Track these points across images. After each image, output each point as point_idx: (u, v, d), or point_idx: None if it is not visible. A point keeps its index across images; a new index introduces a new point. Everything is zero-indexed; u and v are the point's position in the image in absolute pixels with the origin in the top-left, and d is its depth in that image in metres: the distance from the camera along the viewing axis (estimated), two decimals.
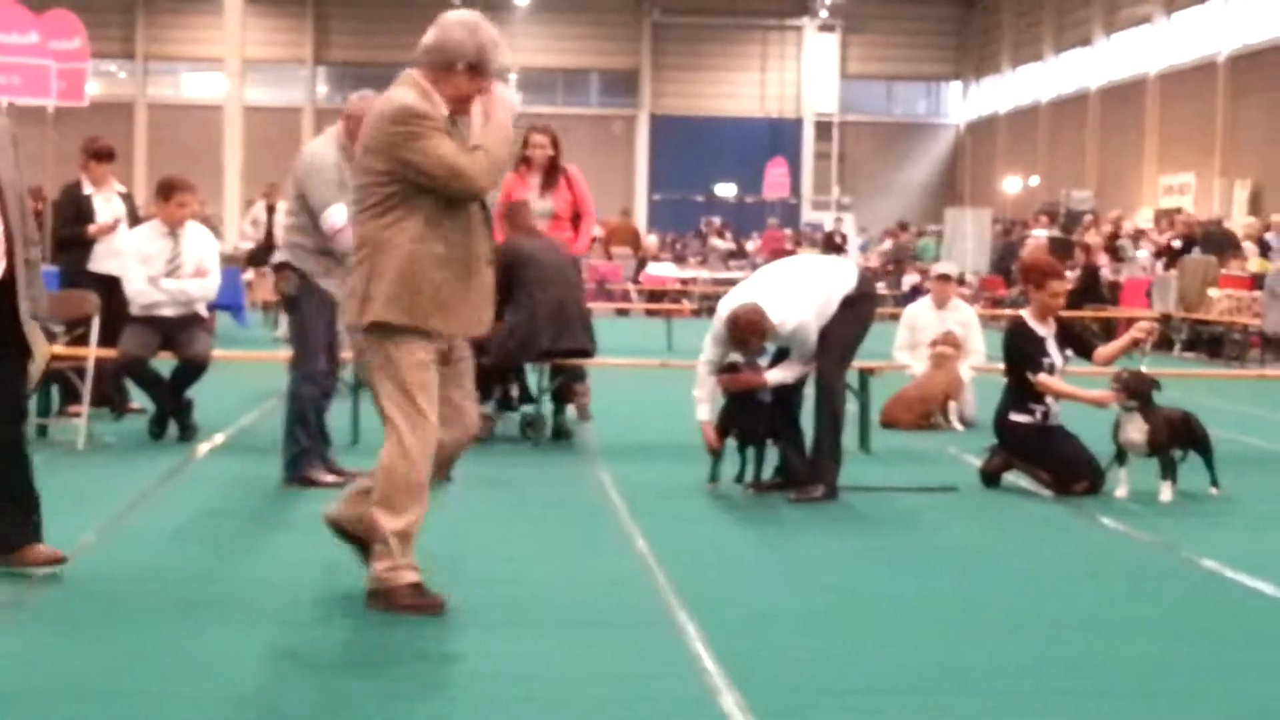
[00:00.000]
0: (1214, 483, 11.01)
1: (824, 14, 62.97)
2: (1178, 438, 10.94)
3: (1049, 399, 11.04)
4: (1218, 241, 29.49)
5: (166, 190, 12.96)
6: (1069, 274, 29.06)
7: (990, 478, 11.24)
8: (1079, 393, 11.05)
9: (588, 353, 12.96)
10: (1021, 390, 11.09)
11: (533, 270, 12.44)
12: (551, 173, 13.89)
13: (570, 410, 13.63)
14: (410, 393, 6.92)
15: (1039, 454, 11.07)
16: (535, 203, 13.76)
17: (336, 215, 10.25)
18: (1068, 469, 10.94)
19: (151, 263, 12.65)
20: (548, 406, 13.22)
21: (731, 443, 10.72)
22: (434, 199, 6.93)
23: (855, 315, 10.51)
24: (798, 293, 10.24)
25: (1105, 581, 8.30)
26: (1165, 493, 10.66)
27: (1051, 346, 11.10)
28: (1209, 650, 6.84)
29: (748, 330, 10.10)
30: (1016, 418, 11.08)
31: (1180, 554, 9.05)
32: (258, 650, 6.41)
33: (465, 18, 7.12)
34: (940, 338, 14.97)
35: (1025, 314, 11.37)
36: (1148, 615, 7.53)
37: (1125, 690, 6.15)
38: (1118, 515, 10.19)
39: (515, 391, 13.55)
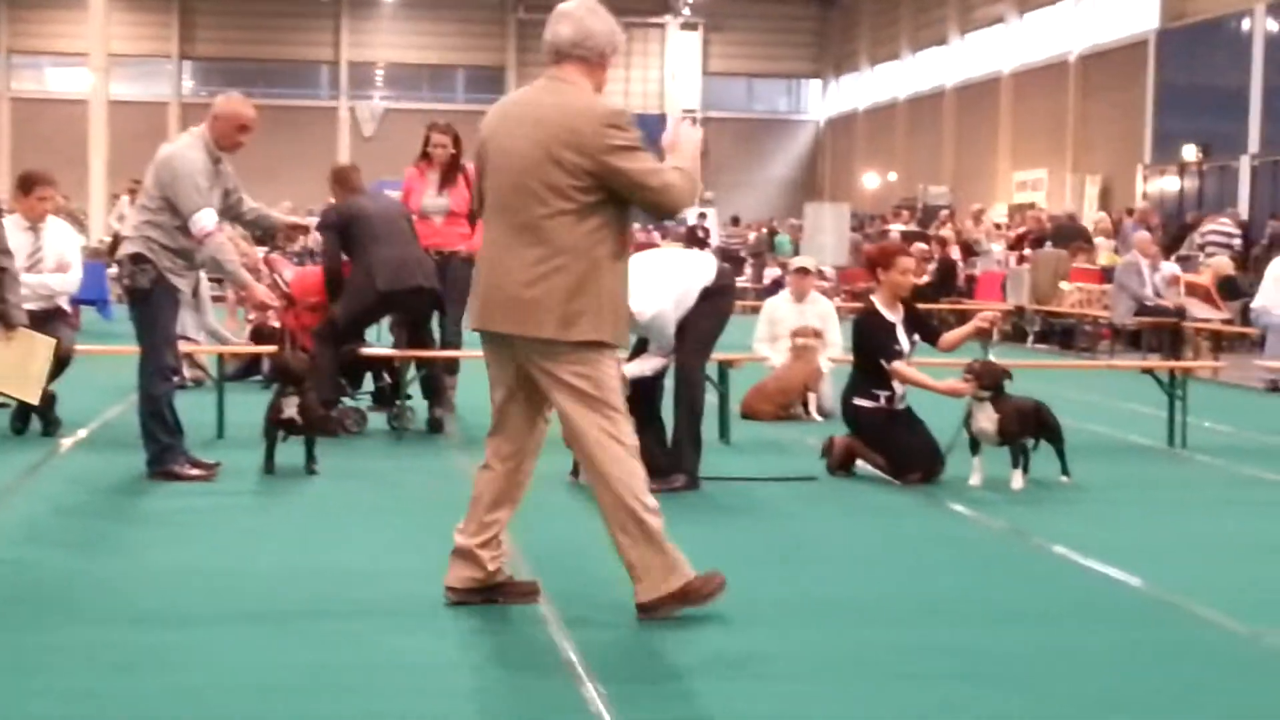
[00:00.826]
0: (1064, 471, 11.15)
1: (686, 12, 63.13)
2: (1029, 427, 11.07)
3: (895, 385, 11.12)
4: (1069, 236, 29.86)
5: (27, 184, 12.79)
6: (927, 267, 29.51)
7: (838, 468, 11.29)
8: (931, 382, 11.14)
9: (434, 294, 12.91)
10: (867, 375, 11.16)
11: (366, 226, 12.56)
12: (451, 170, 13.95)
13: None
14: (619, 412, 6.85)
15: (882, 440, 11.15)
16: (433, 199, 13.82)
17: (207, 219, 10.16)
18: (904, 458, 11.03)
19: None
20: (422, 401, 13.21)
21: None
22: (620, 210, 6.81)
23: (714, 308, 10.54)
24: (656, 283, 10.23)
25: (962, 568, 8.38)
26: (1016, 481, 10.79)
27: (901, 333, 11.18)
28: (1062, 634, 6.91)
29: None
30: (861, 403, 11.16)
31: (1032, 540, 9.16)
32: (111, 645, 6.32)
33: (582, 5, 7.00)
34: (799, 330, 15.06)
35: (875, 300, 11.40)
36: (1003, 600, 7.61)
37: (988, 674, 6.20)
38: (970, 503, 10.29)
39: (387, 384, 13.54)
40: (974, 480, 10.84)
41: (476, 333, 7.01)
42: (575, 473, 10.42)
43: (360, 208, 12.79)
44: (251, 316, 12.12)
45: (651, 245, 31.33)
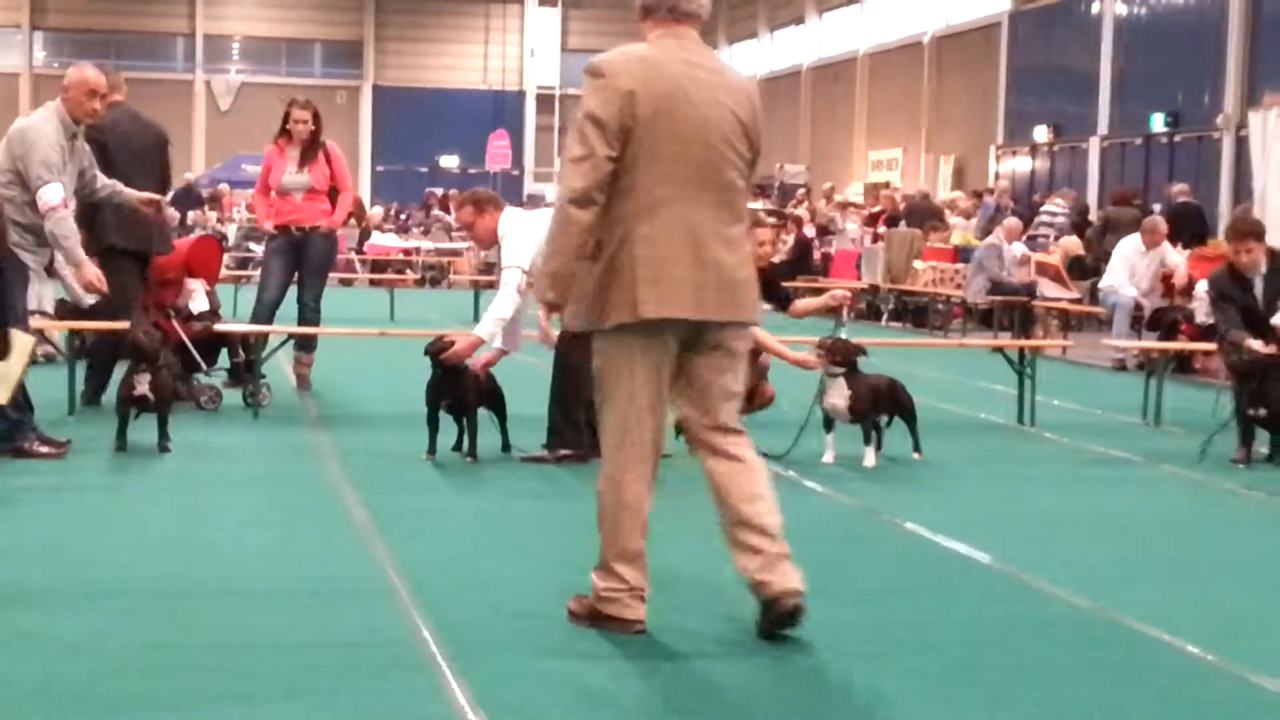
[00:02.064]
0: (916, 448, 11.29)
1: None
2: (882, 404, 11.18)
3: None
4: (923, 215, 30.10)
5: None
6: (783, 244, 29.66)
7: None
8: (785, 351, 11.21)
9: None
10: None
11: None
12: (311, 147, 13.94)
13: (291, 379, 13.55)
14: None
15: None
16: (293, 176, 13.74)
17: (51, 194, 10.02)
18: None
19: None
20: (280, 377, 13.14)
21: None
22: None
23: None
24: (530, 237, 10.11)
25: (816, 546, 8.41)
26: (869, 458, 10.89)
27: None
28: (916, 610, 7.00)
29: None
30: None
31: (884, 517, 9.24)
32: None
33: None
34: None
35: None
36: (857, 577, 7.68)
37: (845, 649, 6.26)
38: (824, 480, 10.37)
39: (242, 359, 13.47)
40: (827, 458, 10.94)
41: (665, 326, 6.19)
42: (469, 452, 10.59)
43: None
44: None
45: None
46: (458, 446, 10.77)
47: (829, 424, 10.98)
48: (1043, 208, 28.81)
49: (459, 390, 10.60)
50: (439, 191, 49.08)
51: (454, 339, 10.44)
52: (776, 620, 6.23)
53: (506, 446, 10.97)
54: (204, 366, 13.20)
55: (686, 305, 6.15)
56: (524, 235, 10.29)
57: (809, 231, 32.18)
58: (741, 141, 6.33)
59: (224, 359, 13.65)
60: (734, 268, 6.27)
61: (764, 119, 6.47)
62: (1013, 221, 24.80)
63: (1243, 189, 27.04)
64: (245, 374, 13.30)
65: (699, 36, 6.43)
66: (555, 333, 7.29)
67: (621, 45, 6.35)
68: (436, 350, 10.42)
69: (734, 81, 6.44)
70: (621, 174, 6.13)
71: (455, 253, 36.61)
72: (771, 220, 25.48)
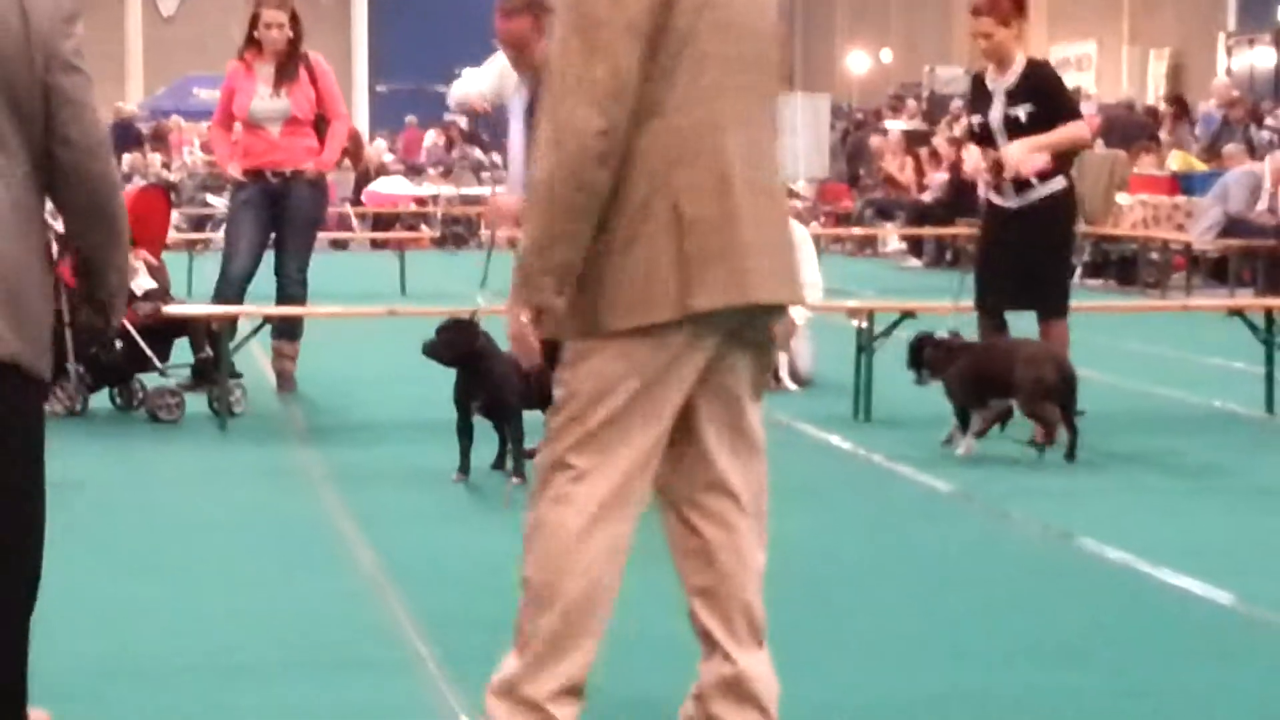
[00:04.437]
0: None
1: None
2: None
3: None
4: (1129, 132, 29.94)
5: None
6: (933, 178, 29.60)
7: None
8: None
9: None
10: None
11: None
12: (289, 62, 13.87)
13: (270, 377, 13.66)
14: None
15: None
16: (266, 102, 13.64)
17: None
18: None
19: None
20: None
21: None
22: None
23: None
24: None
25: (993, 584, 8.46)
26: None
27: None
28: (1135, 669, 7.02)
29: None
30: None
31: (1079, 543, 9.24)
32: None
33: None
34: None
35: None
36: (1052, 627, 7.70)
37: None
38: (980, 491, 10.42)
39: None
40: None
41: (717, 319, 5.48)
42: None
43: None
44: None
45: None
46: (499, 463, 10.79)
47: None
48: (1265, 122, 28.75)
49: (495, 387, 10.60)
50: (461, 120, 49.06)
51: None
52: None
53: None
54: (156, 363, 13.25)
55: (756, 283, 5.45)
56: None
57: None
58: (774, 45, 5.77)
59: (183, 353, 13.69)
60: (786, 223, 5.77)
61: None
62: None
63: None
64: (211, 372, 13.35)
65: None
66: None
67: None
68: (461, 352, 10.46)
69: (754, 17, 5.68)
70: (649, 90, 5.36)
71: (484, 201, 36.56)
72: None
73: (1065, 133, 12.09)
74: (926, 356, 11.71)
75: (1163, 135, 30.17)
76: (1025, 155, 11.80)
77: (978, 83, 12.69)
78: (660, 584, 5.89)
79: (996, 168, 12.11)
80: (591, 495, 5.39)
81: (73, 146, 5.71)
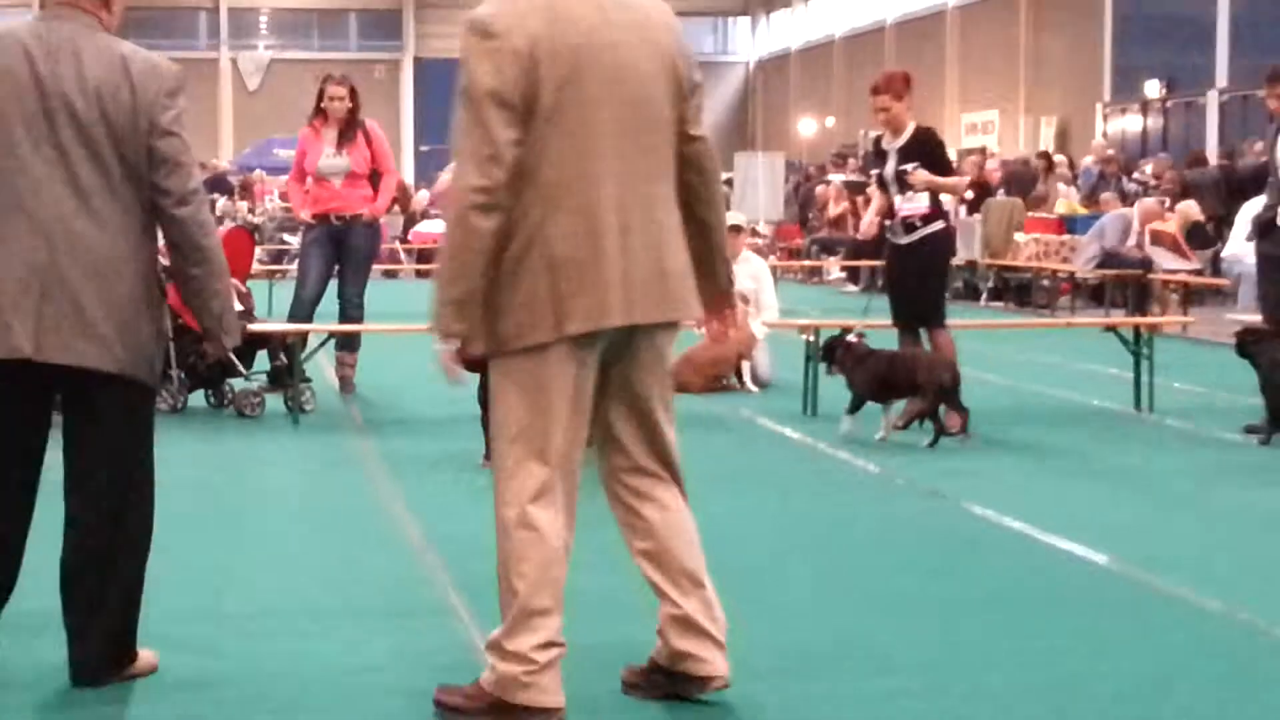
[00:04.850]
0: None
1: None
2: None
3: None
4: (1023, 183, 29.97)
5: None
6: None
7: None
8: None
9: None
10: None
11: None
12: (349, 127, 13.95)
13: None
14: None
15: None
16: (331, 159, 13.77)
17: None
18: None
19: None
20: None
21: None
22: None
23: None
24: None
25: (912, 550, 8.44)
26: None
27: None
28: (1024, 620, 7.02)
29: None
30: None
31: (984, 516, 9.22)
32: None
33: None
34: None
35: None
36: (958, 585, 7.68)
37: (960, 665, 6.28)
38: (915, 476, 10.40)
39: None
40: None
41: (592, 339, 5.42)
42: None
43: None
44: None
45: None
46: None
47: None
48: (1134, 175, 28.87)
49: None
50: None
51: None
52: (690, 692, 5.72)
53: None
54: (242, 370, 13.27)
55: (614, 309, 5.36)
56: None
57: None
58: (672, 83, 5.56)
59: (262, 361, 13.69)
60: (666, 254, 5.52)
61: (689, 50, 5.74)
62: (1149, 204, 24.78)
63: None
64: (286, 377, 13.35)
65: None
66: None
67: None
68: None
69: (654, 11, 5.63)
70: (527, 157, 5.30)
71: None
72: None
73: (948, 180, 12.53)
74: (836, 355, 11.94)
75: (1039, 185, 30.15)
76: (922, 180, 12.09)
77: (877, 144, 12.94)
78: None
79: (888, 213, 12.57)
80: (521, 490, 5.44)
81: (170, 196, 5.76)
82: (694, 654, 5.59)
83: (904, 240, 12.44)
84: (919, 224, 12.34)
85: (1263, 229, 12.63)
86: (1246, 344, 12.04)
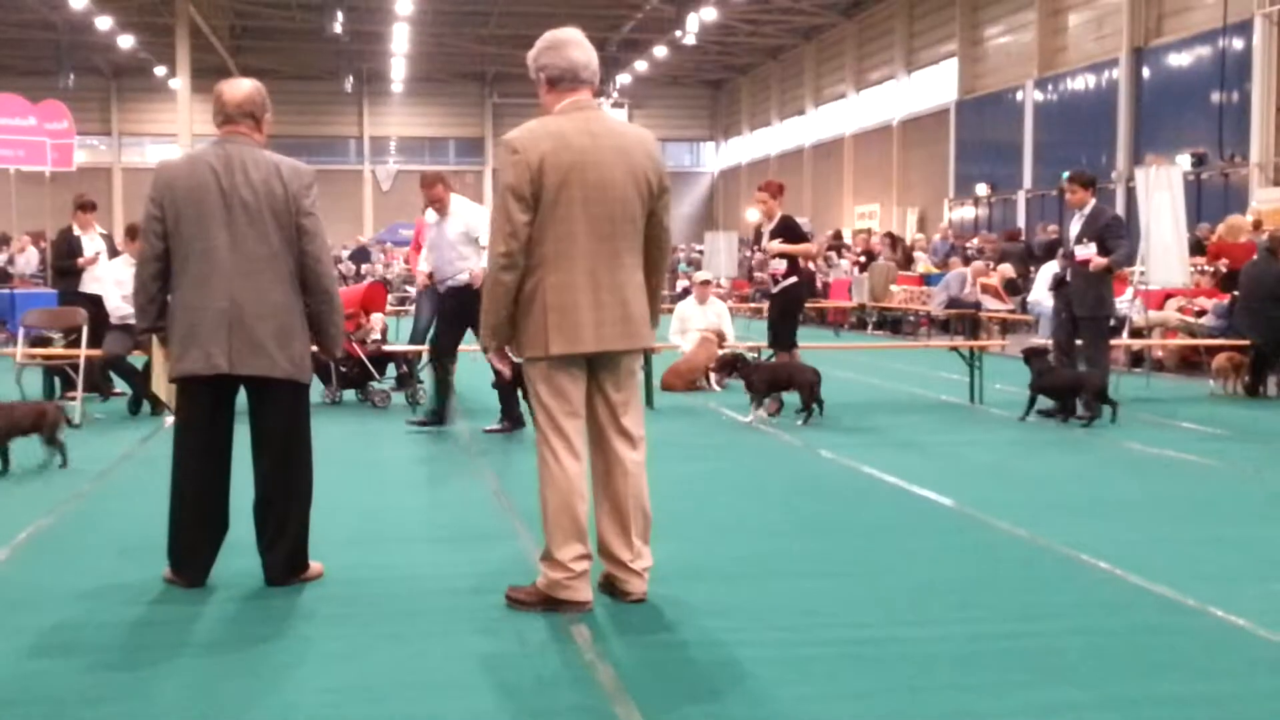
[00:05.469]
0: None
1: (616, 94, 62.85)
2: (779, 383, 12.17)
3: None
4: (898, 252, 30.02)
5: (133, 232, 12.69)
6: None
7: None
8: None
9: None
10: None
11: None
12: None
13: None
14: None
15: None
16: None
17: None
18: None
19: (125, 285, 12.37)
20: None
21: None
22: None
23: None
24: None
25: (823, 496, 8.41)
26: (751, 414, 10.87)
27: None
28: (896, 540, 6.98)
29: None
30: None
31: (870, 473, 9.19)
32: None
33: (575, 32, 5.66)
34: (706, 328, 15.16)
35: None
36: (853, 519, 7.65)
37: (849, 570, 6.25)
38: (830, 448, 10.36)
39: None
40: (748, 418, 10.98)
41: (575, 357, 5.49)
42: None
43: None
44: None
45: None
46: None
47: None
48: (968, 246, 29.08)
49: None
50: None
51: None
52: (623, 599, 5.65)
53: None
54: (378, 376, 13.30)
55: (587, 340, 5.42)
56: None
57: (812, 266, 32.06)
58: (639, 191, 5.50)
59: (390, 371, 13.72)
60: (629, 303, 5.49)
61: (661, 164, 5.62)
62: (978, 264, 24.81)
63: (1132, 227, 26.75)
64: (406, 380, 13.37)
65: (591, 96, 5.60)
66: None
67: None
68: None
69: (631, 140, 5.55)
70: (535, 233, 5.37)
71: None
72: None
73: (798, 246, 12.64)
74: (738, 366, 12.36)
75: (886, 253, 30.24)
76: (775, 248, 12.51)
77: (757, 227, 13.43)
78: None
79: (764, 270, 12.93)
80: (555, 448, 5.45)
81: (309, 256, 5.88)
82: (620, 566, 5.63)
83: (774, 290, 12.67)
84: (781, 279, 12.55)
85: (1056, 284, 12.64)
86: (1026, 357, 12.16)
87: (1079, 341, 12.28)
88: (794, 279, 12.48)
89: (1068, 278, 12.24)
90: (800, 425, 11.53)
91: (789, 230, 12.58)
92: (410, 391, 13.00)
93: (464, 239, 11.41)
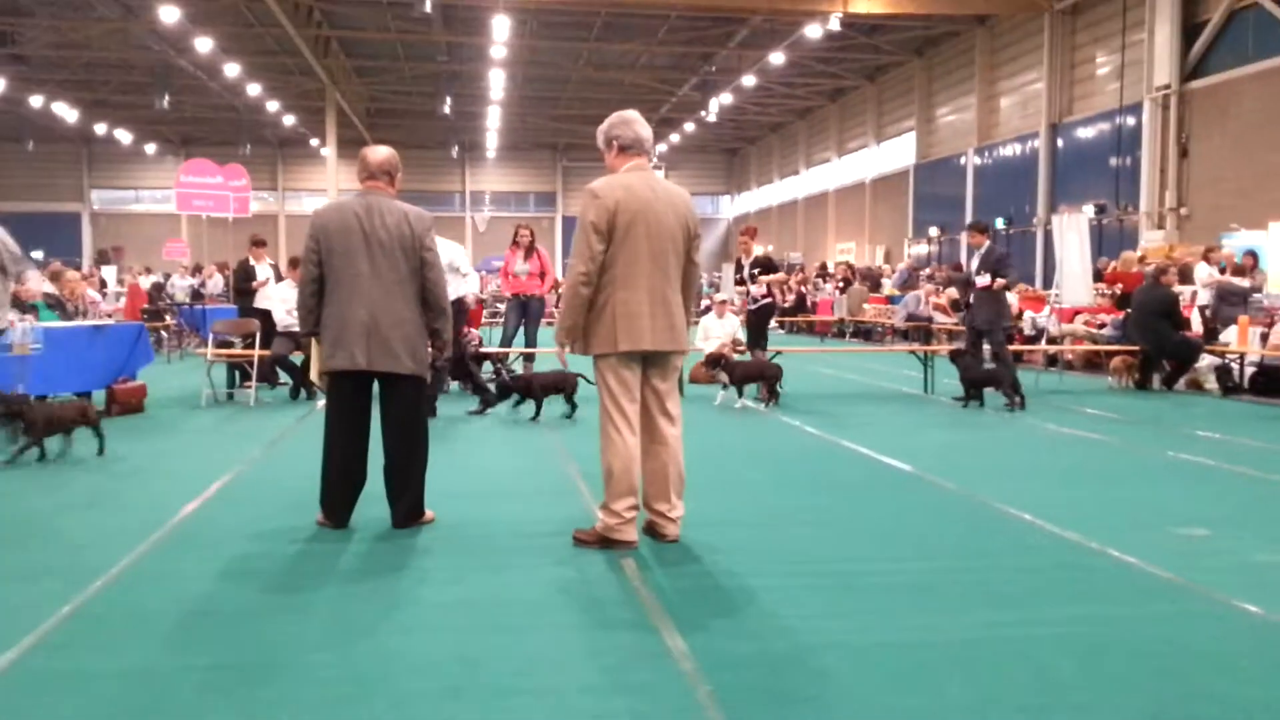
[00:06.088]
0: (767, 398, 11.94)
1: (656, 159, 62.74)
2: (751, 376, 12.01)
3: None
4: (869, 278, 29.84)
5: (295, 263, 12.81)
6: (791, 298, 29.46)
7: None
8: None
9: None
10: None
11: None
12: (530, 250, 13.96)
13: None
14: None
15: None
16: (521, 265, 13.85)
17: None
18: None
19: (288, 302, 12.53)
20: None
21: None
22: None
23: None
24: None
25: (805, 462, 8.34)
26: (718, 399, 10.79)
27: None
28: (861, 500, 6.89)
29: None
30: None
31: (845, 445, 9.11)
32: (304, 530, 6.09)
33: (636, 114, 5.71)
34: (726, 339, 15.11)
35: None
36: (830, 479, 7.57)
37: (829, 520, 6.17)
38: (810, 424, 10.29)
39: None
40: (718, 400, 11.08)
41: (635, 354, 5.48)
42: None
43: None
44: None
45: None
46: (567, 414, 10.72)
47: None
48: (922, 275, 28.94)
49: (546, 385, 11.16)
50: None
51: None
52: (661, 540, 5.62)
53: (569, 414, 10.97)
54: (476, 372, 13.24)
55: (645, 340, 5.44)
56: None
57: (804, 288, 31.97)
58: (682, 233, 5.56)
59: (485, 369, 13.70)
60: (674, 315, 5.51)
61: (696, 215, 5.68)
62: (930, 289, 24.66)
63: (1049, 263, 26.54)
64: (499, 374, 13.34)
65: (648, 162, 5.65)
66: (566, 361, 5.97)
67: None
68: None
69: (676, 196, 5.62)
70: (607, 259, 5.41)
71: None
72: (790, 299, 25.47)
73: (775, 276, 13.11)
74: (722, 363, 12.05)
75: (885, 280, 30.00)
76: (765, 279, 12.92)
77: (738, 262, 13.48)
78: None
79: (747, 293, 13.26)
80: (618, 424, 5.43)
81: (429, 281, 5.92)
82: (659, 515, 5.61)
83: (753, 307, 13.09)
84: (759, 299, 13.05)
85: (962, 307, 12.87)
86: (953, 357, 12.22)
87: (987, 347, 12.33)
88: (768, 300, 13.11)
89: (971, 300, 12.26)
90: (764, 409, 11.45)
91: (765, 264, 13.18)
92: (487, 398, 12.82)
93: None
